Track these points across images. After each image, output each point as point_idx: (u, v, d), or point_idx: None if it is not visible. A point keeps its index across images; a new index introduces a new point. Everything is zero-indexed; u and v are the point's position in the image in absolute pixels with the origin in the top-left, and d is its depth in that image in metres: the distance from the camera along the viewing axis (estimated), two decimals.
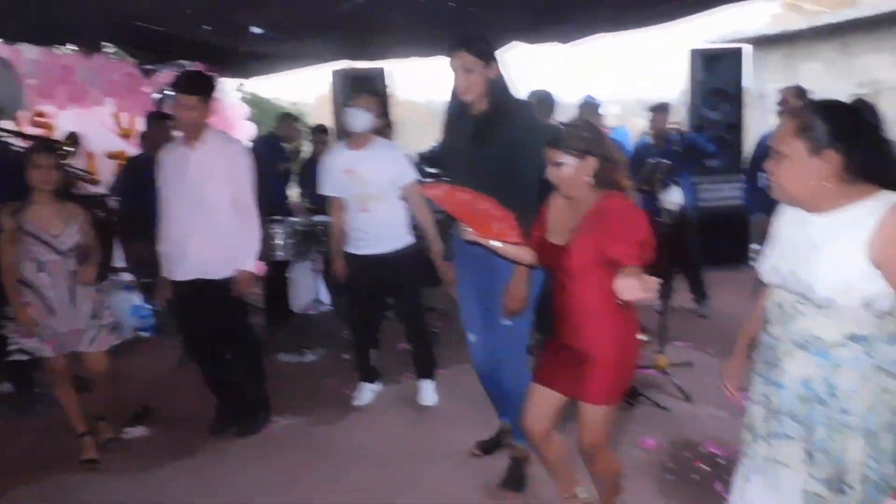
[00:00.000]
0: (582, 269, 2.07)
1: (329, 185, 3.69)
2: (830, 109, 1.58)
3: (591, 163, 2.08)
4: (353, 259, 3.69)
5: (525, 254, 2.33)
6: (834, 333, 1.60)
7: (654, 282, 1.79)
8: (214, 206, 3.29)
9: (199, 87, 3.28)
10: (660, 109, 5.25)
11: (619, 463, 2.38)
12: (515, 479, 2.87)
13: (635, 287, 1.80)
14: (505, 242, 2.27)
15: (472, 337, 2.87)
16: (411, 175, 3.59)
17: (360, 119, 3.52)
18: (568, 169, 2.09)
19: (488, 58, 2.61)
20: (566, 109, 5.13)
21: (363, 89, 6.64)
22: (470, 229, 2.28)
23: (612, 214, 2.02)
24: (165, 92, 6.38)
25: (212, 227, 3.29)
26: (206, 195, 3.27)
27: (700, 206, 5.40)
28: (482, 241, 2.28)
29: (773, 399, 1.74)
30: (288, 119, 6.25)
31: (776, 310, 1.72)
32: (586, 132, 2.12)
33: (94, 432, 3.38)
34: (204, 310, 3.38)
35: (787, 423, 1.71)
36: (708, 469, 2.94)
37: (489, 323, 2.77)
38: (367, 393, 3.89)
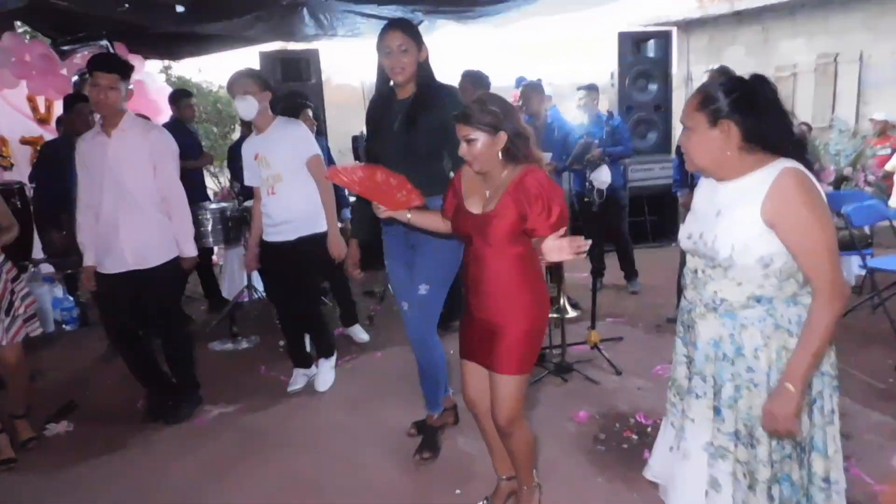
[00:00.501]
0: (499, 240, 2.09)
1: (248, 175, 3.61)
2: (727, 83, 1.67)
3: (503, 137, 2.07)
4: (265, 246, 3.59)
5: (438, 222, 2.37)
6: (739, 295, 1.71)
7: (583, 241, 1.85)
8: (138, 194, 3.19)
9: (116, 66, 3.16)
10: (590, 90, 5.35)
11: (533, 434, 2.39)
12: (428, 446, 2.97)
13: (564, 247, 1.85)
14: (412, 209, 2.33)
15: (405, 305, 2.89)
16: (312, 150, 3.47)
17: (245, 107, 3.36)
18: (479, 145, 2.07)
19: (419, 40, 2.66)
20: (500, 92, 5.14)
21: (293, 72, 6.58)
22: (381, 207, 2.33)
23: (532, 188, 2.03)
24: (82, 74, 6.10)
25: (138, 217, 3.20)
26: (128, 184, 3.17)
27: (629, 185, 5.54)
28: (396, 215, 2.34)
29: (692, 359, 1.85)
30: (183, 97, 5.59)
31: (691, 275, 1.84)
32: (495, 106, 2.08)
33: (11, 431, 3.22)
34: (133, 300, 3.30)
35: (697, 381, 1.83)
36: (636, 438, 3.04)
37: (415, 294, 2.84)
38: (300, 378, 3.85)
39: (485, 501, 2.53)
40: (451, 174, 2.59)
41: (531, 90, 4.94)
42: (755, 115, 1.64)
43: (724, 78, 1.72)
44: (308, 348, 4.00)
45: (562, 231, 1.96)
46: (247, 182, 3.64)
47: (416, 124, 2.64)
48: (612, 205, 5.31)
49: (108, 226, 3.19)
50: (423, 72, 2.70)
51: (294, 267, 3.52)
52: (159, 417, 3.45)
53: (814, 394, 1.74)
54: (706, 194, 1.82)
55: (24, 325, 3.15)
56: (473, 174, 2.20)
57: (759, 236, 1.64)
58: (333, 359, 3.86)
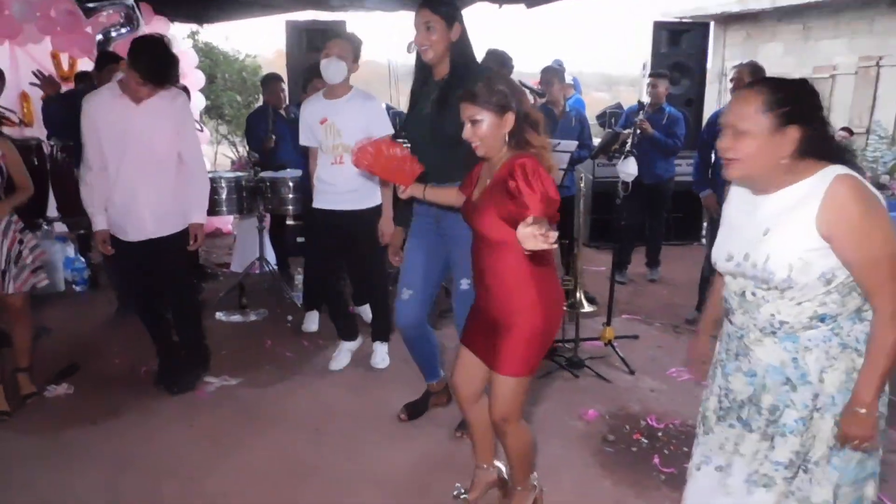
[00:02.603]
0: (492, 232, 1.98)
1: (305, 134, 3.51)
2: (792, 86, 1.54)
3: (510, 119, 1.97)
4: (320, 214, 3.51)
5: (453, 196, 2.32)
6: (800, 316, 1.59)
7: (553, 234, 1.61)
8: (163, 162, 3.17)
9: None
10: (661, 77, 5.20)
11: (532, 436, 2.30)
12: (414, 406, 3.12)
13: (535, 235, 1.62)
14: (426, 185, 2.33)
15: (406, 294, 2.80)
16: (387, 128, 3.38)
17: (336, 69, 3.28)
18: (485, 126, 1.96)
19: (450, 18, 2.55)
20: (524, 77, 5.01)
21: (319, 43, 6.44)
22: (401, 186, 2.29)
23: (514, 174, 1.84)
24: (106, 33, 6.03)
25: (161, 185, 3.18)
26: (157, 152, 3.13)
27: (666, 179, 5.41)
28: (413, 191, 2.32)
29: (735, 389, 1.72)
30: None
31: (737, 298, 1.69)
32: (503, 86, 1.98)
33: (12, 386, 3.21)
34: (152, 267, 3.28)
35: (751, 412, 1.69)
36: (646, 442, 2.93)
37: (429, 282, 2.79)
38: (345, 354, 3.75)
39: (459, 487, 2.47)
40: None
41: (552, 75, 4.79)
42: (816, 121, 1.53)
43: (779, 79, 1.57)
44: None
45: (532, 220, 1.70)
46: (302, 142, 3.55)
47: (448, 107, 2.51)
48: (657, 195, 5.21)
49: (126, 192, 3.14)
50: (457, 51, 2.59)
51: (355, 236, 3.47)
52: (164, 384, 3.41)
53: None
54: (743, 208, 1.67)
55: (32, 275, 3.15)
56: (485, 165, 2.11)
57: (818, 251, 1.51)
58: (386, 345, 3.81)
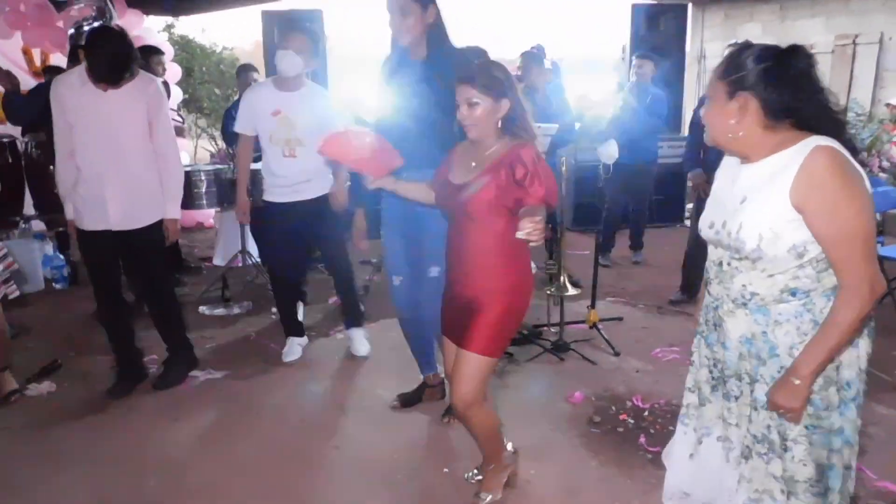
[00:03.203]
0: (481, 212, 2.00)
1: (245, 122, 3.41)
2: (757, 52, 1.49)
3: (505, 106, 2.00)
4: (273, 207, 3.46)
5: (424, 192, 2.30)
6: (771, 288, 1.55)
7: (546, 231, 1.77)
8: (131, 151, 3.05)
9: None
10: (646, 58, 5.23)
11: (497, 418, 2.32)
12: (407, 395, 3.11)
13: (536, 227, 1.76)
14: (397, 181, 2.31)
15: (396, 280, 2.85)
16: (340, 122, 3.37)
17: (291, 63, 3.23)
18: (481, 110, 1.99)
19: (425, 1, 2.53)
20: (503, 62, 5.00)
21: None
22: (370, 176, 2.28)
23: (524, 160, 1.93)
24: (78, 27, 5.92)
25: (130, 174, 3.06)
26: (123, 141, 3.02)
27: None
28: (382, 183, 2.30)
29: (720, 360, 1.71)
30: (153, 54, 5.08)
31: (715, 268, 1.68)
32: (500, 73, 2.03)
33: None
34: (120, 260, 3.19)
35: (731, 383, 1.70)
36: (632, 422, 2.95)
37: (414, 269, 2.78)
38: (296, 348, 3.74)
39: (474, 472, 2.47)
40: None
41: (531, 60, 4.80)
42: (781, 88, 1.47)
43: (757, 47, 1.51)
44: (301, 317, 3.92)
45: (541, 213, 1.85)
46: (239, 129, 3.44)
47: (429, 87, 2.52)
48: (640, 177, 5.23)
49: (93, 181, 3.04)
50: (434, 34, 2.58)
51: (314, 226, 3.47)
52: (130, 390, 3.28)
53: (848, 386, 1.60)
54: (728, 177, 1.65)
55: (2, 285, 3.06)
56: (465, 148, 2.13)
57: (790, 223, 1.47)
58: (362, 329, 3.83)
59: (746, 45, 1.55)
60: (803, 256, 1.50)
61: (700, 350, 1.81)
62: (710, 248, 1.70)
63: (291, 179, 3.38)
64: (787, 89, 1.47)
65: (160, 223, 3.19)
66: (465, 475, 2.49)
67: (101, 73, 2.91)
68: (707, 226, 1.67)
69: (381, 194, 2.76)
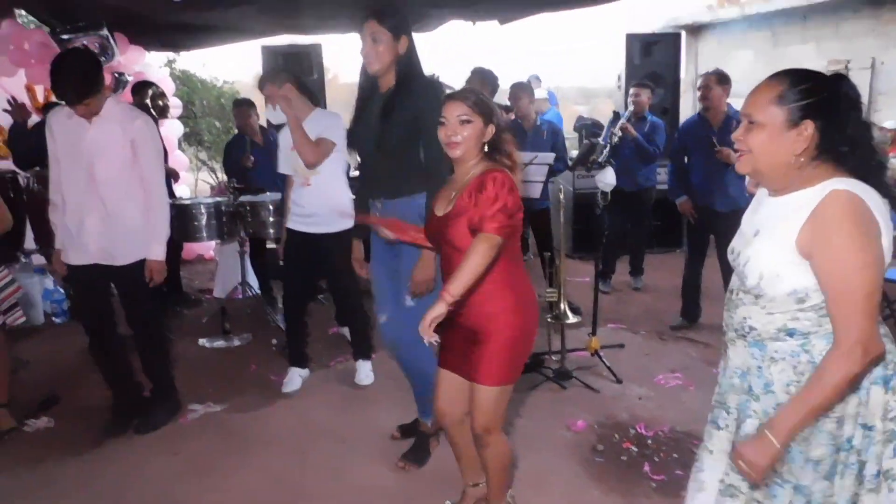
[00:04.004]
0: (460, 240, 2.00)
1: (282, 162, 3.65)
2: (817, 79, 1.44)
3: (492, 130, 2.04)
4: (290, 235, 3.58)
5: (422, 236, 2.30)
6: (768, 325, 1.50)
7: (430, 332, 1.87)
8: (111, 185, 2.97)
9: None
10: (644, 87, 5.27)
11: (511, 449, 2.30)
12: (416, 453, 2.88)
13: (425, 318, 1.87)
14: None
15: (382, 318, 2.83)
16: (337, 137, 3.37)
17: (275, 116, 3.47)
18: (471, 129, 2.01)
19: (398, 31, 2.54)
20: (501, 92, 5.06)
21: (295, 67, 6.45)
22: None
23: (486, 184, 1.94)
24: None
25: (110, 208, 2.98)
26: (101, 173, 2.95)
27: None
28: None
29: (722, 385, 1.68)
30: (147, 87, 5.20)
31: (727, 294, 1.64)
32: (486, 99, 2.07)
33: None
34: (104, 296, 3.14)
35: (719, 412, 1.66)
36: (636, 450, 2.93)
37: (398, 304, 2.75)
38: (296, 379, 3.74)
39: (449, 503, 2.45)
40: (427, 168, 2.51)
41: (520, 90, 4.86)
42: (837, 120, 1.41)
43: (805, 71, 1.45)
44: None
45: (503, 235, 1.91)
46: (281, 170, 3.68)
47: (391, 116, 2.54)
48: (639, 203, 5.26)
49: (74, 214, 3.00)
50: (404, 63, 2.57)
51: (323, 258, 3.55)
52: (129, 424, 3.23)
53: (857, 452, 1.47)
54: (754, 205, 1.62)
55: (4, 315, 3.06)
56: (449, 182, 2.16)
57: (794, 266, 1.43)
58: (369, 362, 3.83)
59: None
60: (804, 302, 1.45)
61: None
62: (733, 275, 1.65)
63: (307, 209, 3.49)
64: (841, 122, 1.42)
65: (142, 262, 3.07)
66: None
67: (64, 93, 2.86)
68: (730, 251, 1.64)
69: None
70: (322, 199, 3.44)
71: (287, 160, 3.57)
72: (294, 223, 3.58)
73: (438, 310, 1.85)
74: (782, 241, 1.44)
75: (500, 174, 1.96)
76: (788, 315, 1.47)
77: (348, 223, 3.37)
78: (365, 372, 3.77)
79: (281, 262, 3.89)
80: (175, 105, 7.14)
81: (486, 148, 2.04)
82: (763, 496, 1.56)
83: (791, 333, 1.48)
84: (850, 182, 1.40)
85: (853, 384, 1.41)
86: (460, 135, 2.00)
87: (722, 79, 4.14)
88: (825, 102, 1.41)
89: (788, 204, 1.47)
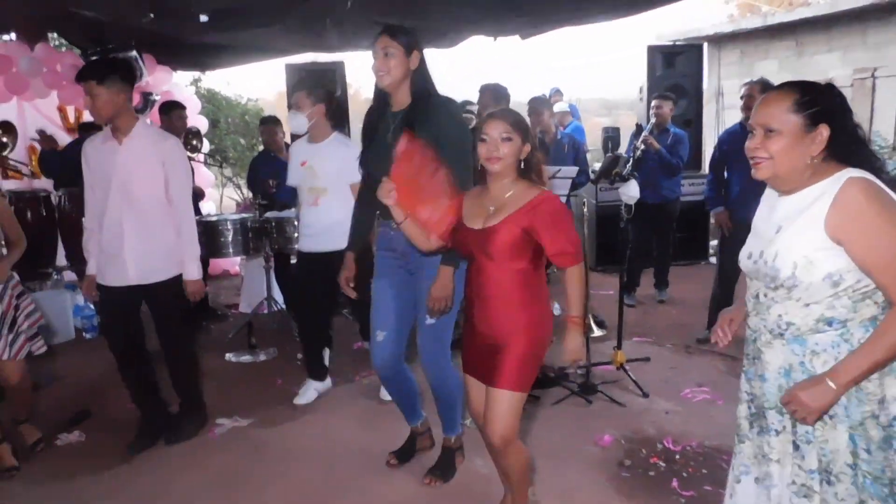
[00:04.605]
0: (500, 253, 2.09)
1: (292, 175, 3.71)
2: (820, 88, 1.59)
3: (528, 148, 2.13)
4: (301, 255, 3.65)
5: (422, 239, 2.25)
6: (807, 318, 1.58)
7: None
8: (146, 204, 3.05)
9: (91, 72, 2.96)
10: (666, 99, 5.27)
11: (530, 456, 2.34)
12: (442, 468, 2.86)
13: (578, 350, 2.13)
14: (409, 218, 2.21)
15: (380, 335, 2.76)
16: (356, 176, 3.44)
17: (295, 123, 3.59)
18: (511, 146, 2.09)
19: (409, 47, 2.54)
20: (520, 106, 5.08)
21: (318, 85, 6.54)
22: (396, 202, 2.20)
23: (550, 211, 2.07)
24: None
25: (144, 229, 3.05)
26: (136, 192, 3.02)
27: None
28: (394, 211, 2.20)
29: (758, 394, 1.71)
30: (175, 108, 5.26)
31: (752, 300, 1.70)
32: (523, 119, 2.17)
33: (13, 439, 3.16)
34: (134, 316, 3.18)
35: (772, 416, 1.68)
36: (663, 465, 2.89)
37: (403, 321, 2.75)
38: (311, 392, 3.76)
39: None
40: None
41: (540, 104, 4.87)
42: (845, 122, 1.56)
43: (807, 82, 1.61)
44: (326, 361, 3.93)
45: (576, 263, 2.09)
46: (289, 182, 3.76)
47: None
48: (663, 215, 5.23)
49: (113, 235, 3.06)
50: (418, 81, 2.58)
51: (326, 279, 3.42)
52: (153, 443, 3.26)
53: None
54: (766, 209, 1.72)
55: (28, 341, 3.08)
56: (475, 194, 2.22)
57: (825, 251, 1.52)
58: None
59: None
60: (839, 285, 1.53)
61: (742, 385, 1.80)
62: (749, 282, 1.73)
63: (315, 228, 3.54)
64: (847, 123, 1.57)
65: (178, 279, 3.15)
66: None
67: (86, 69, 3.00)
68: (746, 257, 1.71)
69: (378, 243, 2.81)
70: (332, 216, 3.46)
71: (296, 175, 3.64)
72: (305, 244, 3.64)
73: (576, 339, 2.12)
74: (810, 229, 1.53)
75: (562, 205, 2.12)
76: (824, 304, 1.55)
77: None
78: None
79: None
80: (201, 123, 7.28)
81: (521, 165, 2.13)
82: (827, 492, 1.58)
83: (830, 322, 1.55)
84: (860, 171, 1.54)
85: None
86: (501, 151, 2.08)
87: (766, 88, 4.12)
88: (834, 107, 1.57)
89: (806, 197, 1.57)
